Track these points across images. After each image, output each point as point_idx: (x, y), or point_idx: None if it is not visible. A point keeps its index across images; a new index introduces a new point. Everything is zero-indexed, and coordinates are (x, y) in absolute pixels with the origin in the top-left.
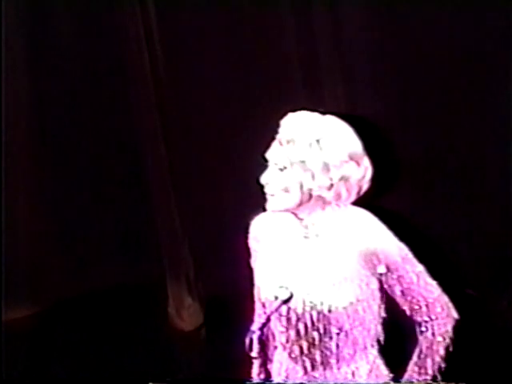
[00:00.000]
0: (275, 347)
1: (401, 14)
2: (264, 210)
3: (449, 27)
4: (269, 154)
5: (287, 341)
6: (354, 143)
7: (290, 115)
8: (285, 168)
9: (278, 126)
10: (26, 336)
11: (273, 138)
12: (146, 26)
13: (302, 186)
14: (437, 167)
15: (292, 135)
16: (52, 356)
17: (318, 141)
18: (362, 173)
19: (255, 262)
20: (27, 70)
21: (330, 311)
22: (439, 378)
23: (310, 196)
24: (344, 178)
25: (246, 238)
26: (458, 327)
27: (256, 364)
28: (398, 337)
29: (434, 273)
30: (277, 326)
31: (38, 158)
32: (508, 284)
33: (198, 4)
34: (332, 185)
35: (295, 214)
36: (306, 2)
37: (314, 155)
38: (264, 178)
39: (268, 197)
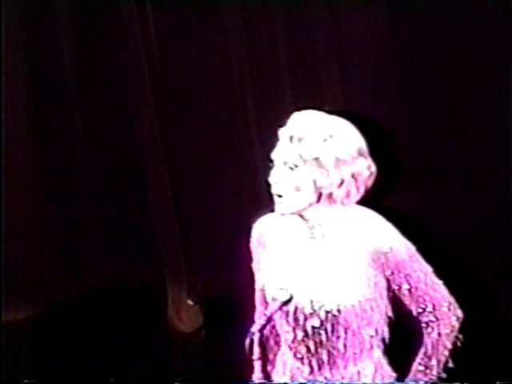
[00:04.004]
0: (279, 348)
1: (399, 13)
2: (265, 212)
3: (448, 26)
4: (277, 154)
5: (293, 341)
6: (360, 139)
7: (298, 114)
8: (296, 166)
9: (277, 125)
10: (26, 337)
11: (274, 138)
12: (143, 26)
13: (315, 184)
14: (438, 166)
15: (304, 133)
16: (51, 357)
17: (330, 136)
18: (369, 169)
19: (257, 265)
20: (26, 69)
21: (338, 311)
22: (443, 377)
23: (320, 195)
24: (354, 175)
25: (246, 239)
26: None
27: (256, 365)
28: (400, 336)
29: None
30: (283, 327)
31: (37, 159)
32: (508, 284)
33: (196, 3)
34: (343, 182)
35: (301, 215)
36: (304, 2)
37: (327, 151)
38: (273, 178)
39: (277, 199)
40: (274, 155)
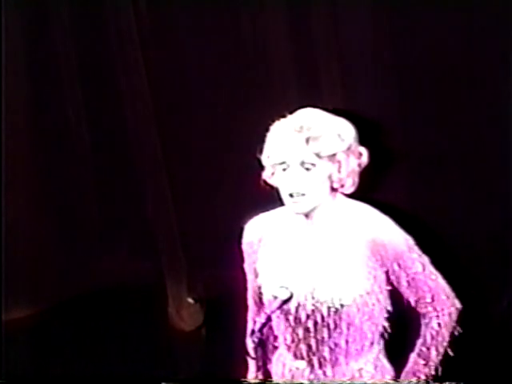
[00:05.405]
0: (276, 348)
1: (399, 13)
2: (265, 210)
3: (448, 25)
4: (291, 156)
5: (293, 340)
6: (355, 131)
7: (303, 114)
8: (313, 165)
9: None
10: (26, 336)
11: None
12: (138, 24)
13: (330, 179)
14: (439, 164)
15: (318, 131)
16: (52, 356)
17: (342, 130)
18: (367, 158)
19: (252, 266)
20: (26, 69)
21: (341, 305)
22: (440, 369)
23: (333, 189)
24: (361, 165)
25: None
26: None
27: (256, 364)
28: (396, 329)
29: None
30: (281, 327)
31: (37, 158)
32: (508, 284)
33: (195, 1)
34: (353, 171)
35: (306, 213)
36: (304, 2)
37: (340, 146)
38: (289, 179)
39: (292, 199)
40: (289, 158)
